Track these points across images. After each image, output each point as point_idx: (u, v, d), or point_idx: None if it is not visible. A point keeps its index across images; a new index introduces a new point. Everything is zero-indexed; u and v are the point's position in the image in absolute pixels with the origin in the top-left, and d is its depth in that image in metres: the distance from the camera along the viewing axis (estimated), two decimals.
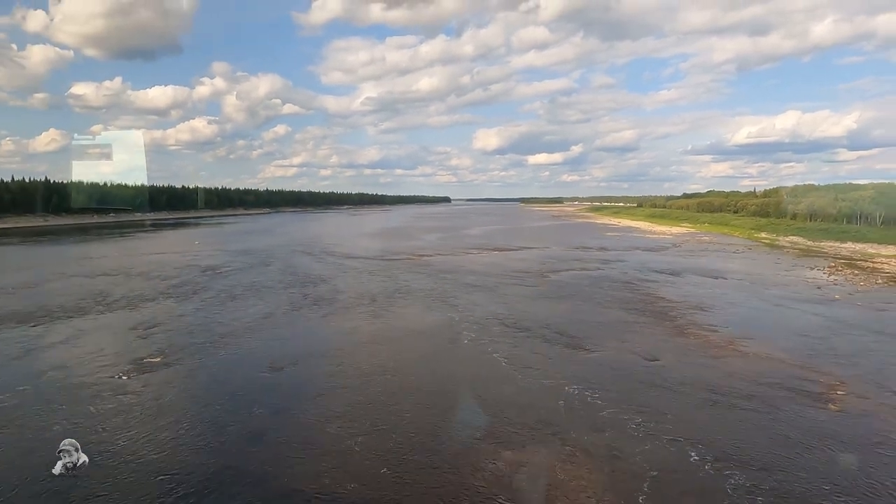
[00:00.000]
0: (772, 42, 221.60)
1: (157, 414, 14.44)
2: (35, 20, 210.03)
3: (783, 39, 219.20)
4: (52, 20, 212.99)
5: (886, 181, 65.72)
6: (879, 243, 61.16)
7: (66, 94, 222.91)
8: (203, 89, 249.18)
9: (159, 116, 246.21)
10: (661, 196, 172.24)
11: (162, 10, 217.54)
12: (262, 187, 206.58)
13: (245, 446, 12.63)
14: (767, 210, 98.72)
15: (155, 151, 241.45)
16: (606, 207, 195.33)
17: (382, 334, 23.19)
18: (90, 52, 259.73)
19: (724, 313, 27.55)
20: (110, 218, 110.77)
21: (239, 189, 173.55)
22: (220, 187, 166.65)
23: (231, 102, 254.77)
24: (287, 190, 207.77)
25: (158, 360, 19.01)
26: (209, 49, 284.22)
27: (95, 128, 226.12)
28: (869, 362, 19.62)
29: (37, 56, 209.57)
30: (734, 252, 58.45)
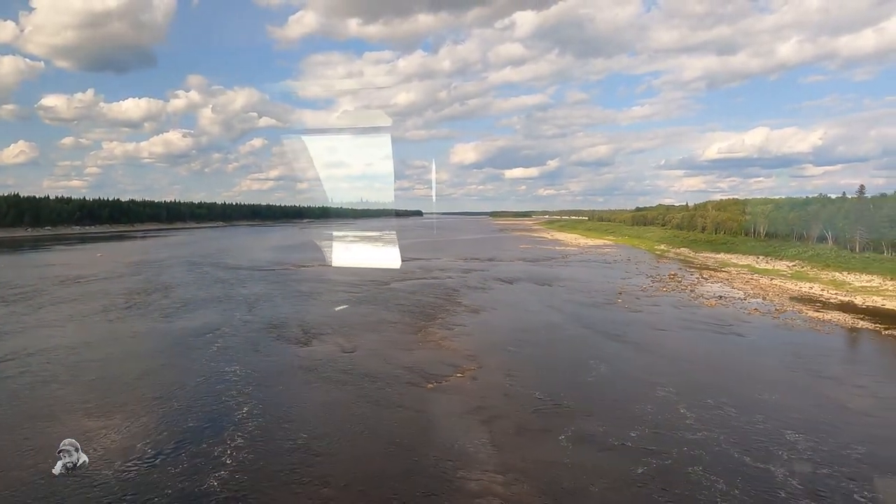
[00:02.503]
0: (740, 60, 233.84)
1: None
2: (4, 31, 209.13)
3: (750, 58, 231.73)
4: (22, 31, 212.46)
5: (852, 195, 69.45)
6: (743, 254, 66.33)
7: (36, 105, 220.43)
8: (178, 102, 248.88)
9: (132, 129, 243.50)
10: (615, 210, 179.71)
11: (135, 23, 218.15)
12: (238, 201, 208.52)
13: None
14: (683, 224, 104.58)
15: (128, 164, 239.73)
16: (557, 221, 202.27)
17: (151, 331, 26.34)
18: (61, 63, 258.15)
19: (487, 315, 31.19)
20: (46, 231, 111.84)
21: (191, 202, 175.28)
22: (172, 200, 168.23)
23: (206, 115, 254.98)
24: (245, 203, 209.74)
25: None
26: (184, 62, 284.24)
27: (66, 140, 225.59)
28: (534, 353, 23.28)
29: (6, 67, 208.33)
30: (607, 262, 62.73)
